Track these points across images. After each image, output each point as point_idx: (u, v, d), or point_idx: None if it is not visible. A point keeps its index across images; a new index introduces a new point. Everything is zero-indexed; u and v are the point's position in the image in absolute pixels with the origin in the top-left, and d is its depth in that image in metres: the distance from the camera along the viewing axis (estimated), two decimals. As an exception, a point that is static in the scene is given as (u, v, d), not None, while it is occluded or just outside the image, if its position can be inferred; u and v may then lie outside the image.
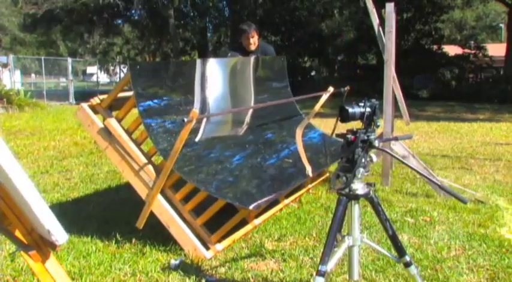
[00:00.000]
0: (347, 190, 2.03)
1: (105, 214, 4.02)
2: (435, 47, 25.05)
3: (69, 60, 23.02)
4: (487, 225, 3.67)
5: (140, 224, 3.19)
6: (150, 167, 3.20)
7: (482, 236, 3.43)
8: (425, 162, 5.58)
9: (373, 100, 2.06)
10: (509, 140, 8.63)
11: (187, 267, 2.91)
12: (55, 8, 24.43)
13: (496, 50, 25.03)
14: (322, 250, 2.01)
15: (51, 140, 8.37)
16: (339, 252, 2.03)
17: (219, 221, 3.17)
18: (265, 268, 2.90)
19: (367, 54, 26.21)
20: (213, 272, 2.88)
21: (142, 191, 3.19)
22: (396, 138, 2.34)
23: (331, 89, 4.71)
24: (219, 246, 3.13)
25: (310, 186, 4.46)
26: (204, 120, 3.59)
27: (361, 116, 2.02)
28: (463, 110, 16.22)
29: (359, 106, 2.03)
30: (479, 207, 4.15)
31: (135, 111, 3.24)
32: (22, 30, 33.97)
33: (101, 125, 3.27)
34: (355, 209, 2.08)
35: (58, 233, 1.51)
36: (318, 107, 4.62)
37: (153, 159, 3.37)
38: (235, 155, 3.69)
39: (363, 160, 2.00)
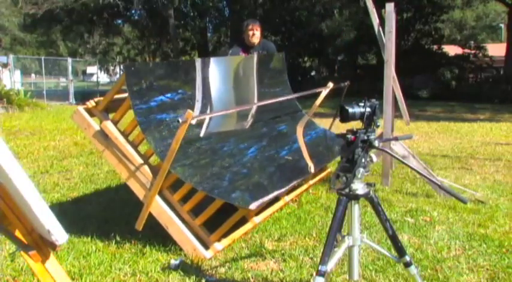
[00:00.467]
0: (347, 190, 2.03)
1: (105, 214, 4.02)
2: (435, 47, 25.06)
3: (69, 60, 23.02)
4: (487, 225, 3.67)
5: (139, 225, 3.19)
6: (147, 168, 3.20)
7: (482, 236, 3.44)
8: (425, 162, 5.59)
9: (373, 100, 2.06)
10: (509, 140, 8.63)
11: (187, 267, 2.91)
12: (55, 8, 24.41)
13: (496, 50, 25.04)
14: (322, 250, 2.01)
15: (51, 140, 8.37)
16: (339, 252, 2.03)
17: (218, 220, 3.17)
18: (265, 268, 2.90)
19: (367, 54, 26.23)
20: (213, 272, 2.88)
21: (140, 193, 3.20)
22: (396, 138, 2.34)
23: (330, 85, 4.71)
24: (219, 246, 3.13)
25: (311, 182, 4.45)
26: (205, 119, 3.60)
27: (361, 116, 2.02)
28: (463, 110, 16.22)
29: (359, 106, 2.03)
30: (479, 207, 4.15)
31: (132, 113, 3.24)
32: (22, 30, 33.97)
33: (98, 128, 3.28)
34: (355, 209, 2.08)
35: (58, 233, 1.51)
36: (319, 101, 4.62)
37: (151, 160, 3.38)
38: (234, 153, 3.69)
39: (363, 160, 2.00)
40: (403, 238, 3.38)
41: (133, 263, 2.95)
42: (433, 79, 22.87)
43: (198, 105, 3.67)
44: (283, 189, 3.52)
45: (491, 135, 9.34)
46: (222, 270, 2.90)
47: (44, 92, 20.34)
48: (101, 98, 3.38)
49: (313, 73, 27.57)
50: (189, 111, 2.84)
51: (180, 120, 2.83)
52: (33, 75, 30.50)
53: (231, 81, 4.29)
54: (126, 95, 3.26)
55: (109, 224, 3.69)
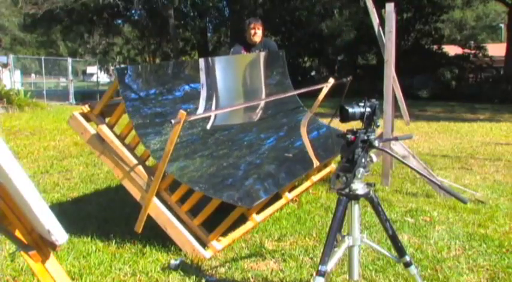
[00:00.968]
0: (347, 190, 2.03)
1: (105, 214, 4.02)
2: (435, 47, 25.07)
3: (69, 60, 23.01)
4: (487, 225, 3.67)
5: (139, 228, 3.19)
6: (143, 170, 3.21)
7: (482, 236, 3.43)
8: (425, 162, 5.58)
9: (373, 100, 2.06)
10: (509, 140, 8.63)
11: (187, 267, 2.91)
12: (55, 8, 24.40)
13: (496, 50, 25.04)
14: (322, 250, 2.01)
15: (51, 140, 8.37)
16: (339, 252, 2.03)
17: (217, 219, 3.17)
18: (265, 268, 2.90)
19: (367, 54, 26.23)
20: (213, 272, 2.88)
21: (138, 195, 3.21)
22: (396, 138, 2.34)
23: (331, 80, 4.70)
24: (218, 246, 3.13)
25: (315, 179, 4.44)
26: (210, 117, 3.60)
27: (361, 116, 2.02)
28: (463, 110, 16.22)
29: (359, 106, 2.03)
30: (479, 207, 4.15)
31: (127, 116, 3.25)
32: (22, 30, 33.96)
33: (94, 132, 3.29)
34: (355, 209, 2.08)
35: (58, 233, 1.51)
36: (321, 96, 4.61)
37: (148, 162, 3.38)
38: (234, 151, 3.69)
39: (363, 160, 2.00)
40: (403, 238, 3.38)
41: (134, 263, 2.95)
42: (433, 79, 22.88)
43: (202, 103, 3.68)
44: (283, 187, 3.52)
45: (491, 135, 9.34)
46: (222, 270, 2.90)
47: (44, 92, 20.33)
48: (96, 102, 3.39)
49: (313, 73, 27.58)
50: (182, 111, 2.83)
51: (173, 122, 2.82)
52: (33, 75, 30.48)
53: (235, 79, 4.29)
54: (121, 98, 3.27)
55: (109, 224, 3.69)
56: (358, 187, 2.04)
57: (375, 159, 2.08)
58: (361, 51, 25.55)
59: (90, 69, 48.27)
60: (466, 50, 25.66)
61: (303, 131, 3.94)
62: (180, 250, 3.10)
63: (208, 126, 3.72)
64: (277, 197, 3.74)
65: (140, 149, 3.45)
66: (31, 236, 1.66)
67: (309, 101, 5.09)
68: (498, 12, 35.62)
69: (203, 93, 3.74)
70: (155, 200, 3.15)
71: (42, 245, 1.68)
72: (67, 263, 2.94)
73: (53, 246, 1.62)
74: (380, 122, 2.12)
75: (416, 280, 2.18)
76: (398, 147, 4.71)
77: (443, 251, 3.15)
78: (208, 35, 30.39)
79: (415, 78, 21.66)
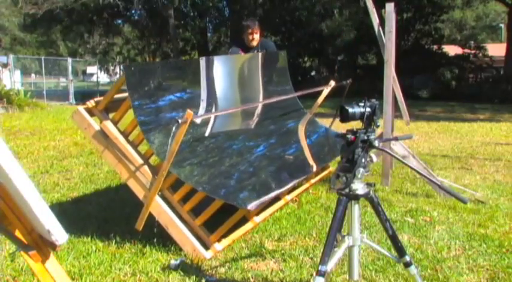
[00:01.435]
0: (347, 190, 2.03)
1: (105, 214, 4.02)
2: (435, 47, 25.07)
3: (69, 60, 23.02)
4: (487, 225, 3.67)
5: (139, 225, 3.19)
6: (147, 168, 3.20)
7: (482, 236, 3.43)
8: (425, 162, 5.58)
9: (373, 100, 2.06)
10: (509, 140, 8.63)
11: (187, 267, 2.90)
12: (55, 8, 24.40)
13: (496, 50, 25.04)
14: (322, 250, 2.01)
15: (51, 140, 8.37)
16: (339, 252, 2.03)
17: (218, 220, 3.17)
18: (265, 268, 2.90)
19: (367, 54, 26.22)
20: (213, 272, 2.88)
21: (140, 193, 3.20)
22: (396, 138, 2.34)
23: (332, 83, 4.70)
24: (219, 246, 3.13)
25: (313, 181, 4.44)
26: (210, 119, 3.60)
27: (361, 116, 2.02)
28: (463, 110, 16.22)
29: (359, 106, 2.03)
30: (479, 207, 4.15)
31: (132, 113, 3.24)
32: (22, 30, 33.98)
33: (98, 128, 3.28)
34: (355, 209, 2.08)
35: (58, 233, 1.51)
36: (320, 99, 4.61)
37: (151, 160, 3.37)
38: (236, 153, 3.69)
39: (363, 160, 2.00)
40: (403, 238, 3.38)
41: (134, 263, 2.95)
42: (433, 79, 22.88)
43: (203, 104, 3.68)
44: (284, 189, 3.52)
45: (491, 135, 9.34)
46: (222, 270, 2.90)
47: (44, 92, 20.33)
48: (101, 98, 3.38)
49: (313, 73, 27.58)
50: (189, 111, 2.83)
51: (180, 121, 2.82)
52: (33, 75, 30.50)
53: (235, 80, 4.28)
54: (126, 94, 3.26)
55: (109, 224, 3.69)
56: (358, 187, 2.05)
57: (375, 159, 2.08)
58: (361, 51, 25.55)
59: (90, 69, 48.31)
60: (466, 50, 25.66)
61: (301, 132, 3.93)
62: (180, 250, 3.10)
63: (208, 128, 3.71)
64: (276, 198, 3.74)
65: (143, 146, 3.44)
66: (31, 236, 1.66)
67: (308, 101, 5.09)
68: (498, 12, 35.62)
69: (203, 95, 3.74)
70: (158, 199, 3.15)
71: (42, 245, 1.68)
72: (67, 263, 2.94)
73: (53, 246, 1.62)
74: (380, 122, 2.12)
75: (416, 280, 2.18)
76: (398, 147, 4.71)
77: (443, 251, 3.15)
78: (208, 35, 30.40)
79: (415, 78, 21.66)
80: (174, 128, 2.83)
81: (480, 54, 25.03)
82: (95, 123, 3.30)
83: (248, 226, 3.39)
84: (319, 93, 4.72)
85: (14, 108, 14.43)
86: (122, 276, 2.78)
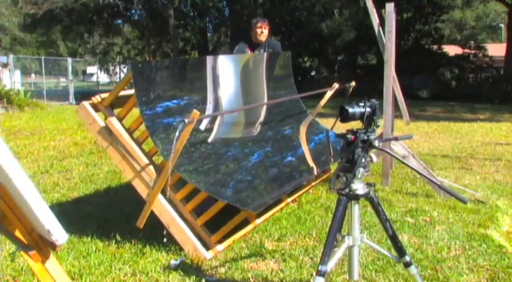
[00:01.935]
0: (347, 190, 2.03)
1: (105, 214, 4.02)
2: (435, 47, 25.05)
3: (69, 60, 23.01)
4: (487, 225, 3.67)
5: (141, 223, 3.18)
6: (150, 166, 3.19)
7: (482, 236, 3.43)
8: (425, 162, 5.58)
9: (373, 100, 2.06)
10: (509, 140, 8.63)
11: (187, 267, 2.90)
12: (55, 8, 24.41)
13: (496, 50, 25.02)
14: (322, 250, 2.01)
15: (51, 140, 8.37)
16: (339, 252, 2.03)
17: (220, 221, 3.17)
18: (265, 268, 2.90)
19: (367, 54, 26.20)
20: (213, 272, 2.88)
21: (142, 191, 3.19)
22: (396, 138, 2.35)
23: (336, 85, 4.70)
24: (220, 247, 3.13)
25: (313, 183, 4.45)
26: (212, 119, 3.59)
27: (361, 116, 2.03)
28: (463, 110, 16.21)
29: (359, 106, 2.03)
30: (479, 207, 4.15)
31: (136, 110, 3.23)
32: (22, 30, 33.99)
33: (102, 124, 3.26)
34: (355, 209, 2.08)
35: (58, 233, 1.51)
36: (323, 101, 4.61)
37: (155, 158, 3.37)
38: (239, 157, 3.68)
39: (363, 160, 2.00)
40: (403, 238, 3.38)
41: (134, 263, 2.95)
42: (433, 79, 22.85)
43: (209, 107, 3.67)
44: (286, 191, 3.52)
45: (491, 135, 9.34)
46: (222, 270, 2.90)
47: (44, 92, 20.32)
48: (107, 94, 3.36)
49: (313, 73, 27.57)
50: (195, 111, 2.82)
51: (186, 121, 2.82)
52: (33, 75, 30.52)
53: (241, 80, 4.26)
54: (132, 91, 3.24)
55: (109, 224, 3.69)
56: (358, 187, 2.05)
57: (375, 159, 2.08)
58: (361, 51, 25.53)
59: (90, 69, 48.33)
60: (466, 50, 25.64)
61: (303, 134, 3.93)
62: (181, 250, 3.10)
63: (214, 130, 3.70)
64: (277, 200, 3.74)
65: (148, 144, 3.44)
66: (31, 236, 1.66)
67: (310, 101, 5.09)
68: (498, 12, 35.61)
69: (210, 97, 3.72)
70: (160, 197, 3.14)
71: (42, 245, 1.68)
72: (67, 263, 2.94)
73: (53, 246, 1.61)
74: (380, 122, 2.12)
75: (416, 280, 2.18)
76: (398, 147, 4.71)
77: (443, 251, 3.15)
78: (208, 35, 30.40)
79: (415, 78, 21.64)
80: (180, 127, 2.83)
81: (480, 54, 25.01)
82: (100, 119, 3.27)
83: (248, 227, 3.39)
84: (321, 93, 4.73)
85: (14, 108, 14.43)
86: (122, 276, 2.78)
